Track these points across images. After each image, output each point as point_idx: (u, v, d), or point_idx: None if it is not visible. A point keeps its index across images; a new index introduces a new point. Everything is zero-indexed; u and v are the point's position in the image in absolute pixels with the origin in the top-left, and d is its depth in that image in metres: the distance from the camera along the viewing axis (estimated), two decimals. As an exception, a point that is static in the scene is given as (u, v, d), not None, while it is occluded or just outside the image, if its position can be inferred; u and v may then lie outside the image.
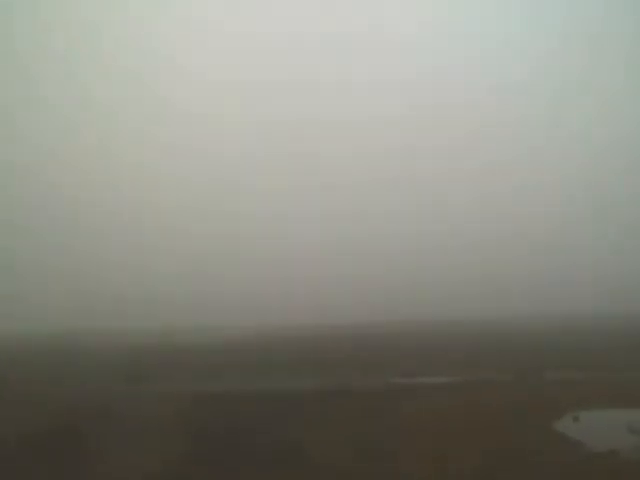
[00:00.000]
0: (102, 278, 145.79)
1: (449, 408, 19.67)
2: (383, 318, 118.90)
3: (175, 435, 15.64)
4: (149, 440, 15.18)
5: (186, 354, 39.77)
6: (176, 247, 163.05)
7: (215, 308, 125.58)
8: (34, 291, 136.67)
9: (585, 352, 43.59)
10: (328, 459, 13.46)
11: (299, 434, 15.84)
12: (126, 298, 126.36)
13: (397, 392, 22.71)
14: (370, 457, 13.55)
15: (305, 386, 24.46)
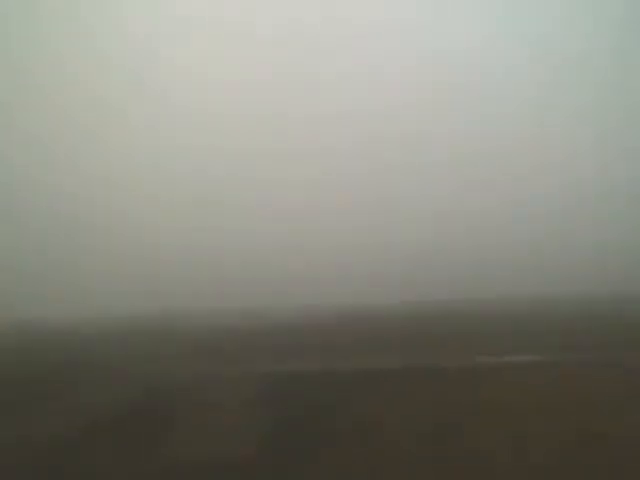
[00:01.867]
0: (181, 260, 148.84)
1: (533, 388, 19.24)
2: (467, 295, 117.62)
3: (256, 416, 15.89)
4: (230, 421, 15.46)
5: (266, 334, 40.48)
6: (253, 227, 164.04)
7: (293, 287, 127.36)
8: (120, 274, 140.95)
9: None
10: (409, 438, 13.38)
11: (380, 413, 15.83)
12: (204, 279, 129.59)
13: (482, 371, 22.36)
14: (451, 436, 13.39)
15: (387, 365, 24.47)
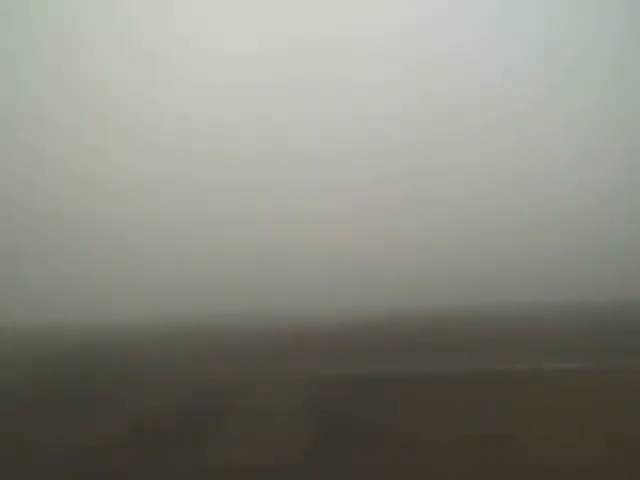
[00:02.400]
0: (228, 261, 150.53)
1: (576, 393, 18.68)
2: (509, 299, 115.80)
3: (303, 420, 15.85)
4: (277, 425, 15.46)
5: (315, 337, 40.54)
6: (311, 232, 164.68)
7: (344, 292, 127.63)
8: (168, 275, 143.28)
9: None
10: (453, 444, 13.14)
11: (428, 419, 15.59)
12: (251, 281, 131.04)
13: (523, 376, 21.89)
14: (491, 441, 13.09)
15: (432, 369, 24.16)
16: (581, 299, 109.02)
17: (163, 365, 27.80)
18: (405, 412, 16.41)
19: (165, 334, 47.46)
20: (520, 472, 10.81)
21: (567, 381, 20.62)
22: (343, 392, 19.42)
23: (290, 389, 20.16)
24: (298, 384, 21.04)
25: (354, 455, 12.44)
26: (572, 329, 43.28)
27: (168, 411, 17.21)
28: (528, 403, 17.24)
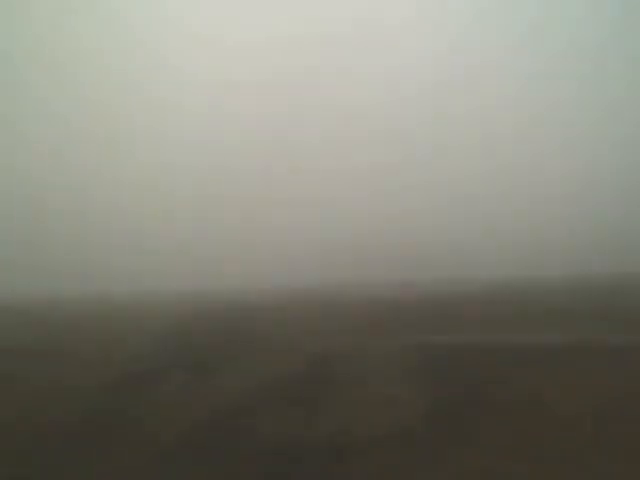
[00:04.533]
0: (352, 233, 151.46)
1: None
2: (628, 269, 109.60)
3: (416, 388, 16.20)
4: (390, 393, 15.89)
5: (427, 306, 40.57)
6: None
7: (452, 259, 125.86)
8: (283, 247, 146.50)
9: None
10: (568, 412, 13.08)
11: (541, 388, 15.54)
12: (361, 253, 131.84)
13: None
14: (610, 414, 12.88)
15: (545, 339, 23.71)
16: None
17: (278, 335, 28.65)
18: (519, 382, 16.43)
19: (279, 304, 48.82)
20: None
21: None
22: (454, 361, 19.57)
23: (402, 358, 20.50)
24: (410, 353, 21.33)
25: (466, 424, 12.74)
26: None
27: (283, 379, 18.00)
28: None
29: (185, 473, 10.10)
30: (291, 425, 13.00)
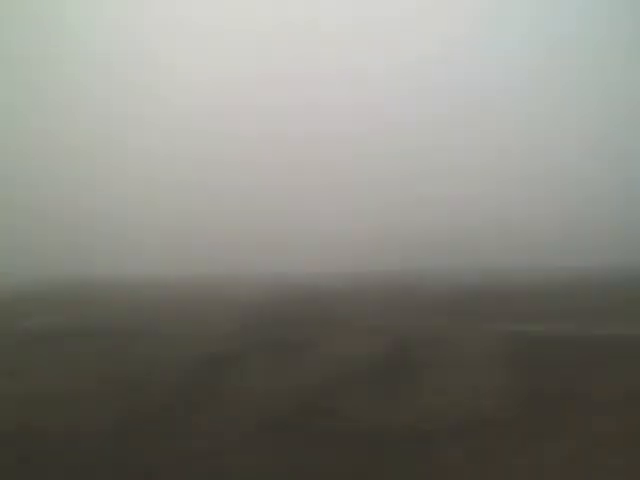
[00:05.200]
0: (435, 216, 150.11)
1: None
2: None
3: (499, 376, 15.92)
4: (474, 379, 15.68)
5: (508, 293, 39.70)
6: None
7: (541, 250, 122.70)
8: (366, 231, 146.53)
9: None
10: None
11: (636, 379, 14.90)
12: (454, 237, 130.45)
13: None
14: None
15: (627, 332, 22.71)
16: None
17: (359, 318, 28.78)
18: (602, 374, 15.88)
19: (360, 288, 48.92)
20: None
21: None
22: (537, 350, 19.14)
23: (486, 345, 20.21)
24: (493, 341, 20.99)
25: (555, 413, 12.43)
26: None
27: (369, 361, 18.09)
28: None
29: (265, 456, 10.29)
30: (373, 410, 13.04)
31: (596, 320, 25.34)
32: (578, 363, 17.02)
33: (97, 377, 17.04)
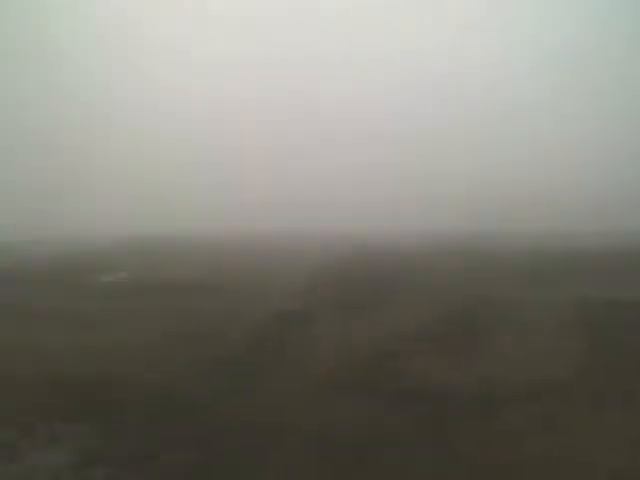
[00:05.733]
0: (510, 182, 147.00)
1: None
2: None
3: (573, 341, 15.57)
4: (546, 344, 15.40)
5: (587, 259, 38.45)
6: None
7: (612, 212, 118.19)
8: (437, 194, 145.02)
9: None
10: None
11: None
12: (532, 201, 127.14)
13: None
14: None
15: None
16: None
17: (428, 276, 28.61)
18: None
19: (435, 248, 48.53)
20: None
21: None
22: (613, 316, 18.59)
23: (559, 311, 19.79)
24: (568, 306, 20.53)
25: (612, 379, 12.15)
26: None
27: (439, 323, 18.03)
28: None
29: (329, 415, 10.48)
30: (438, 372, 13.05)
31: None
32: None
33: (165, 330, 17.75)
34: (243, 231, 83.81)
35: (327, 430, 9.90)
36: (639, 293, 22.39)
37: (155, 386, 12.19)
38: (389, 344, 15.56)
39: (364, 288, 25.58)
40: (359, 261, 38.15)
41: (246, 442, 9.53)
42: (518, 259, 38.45)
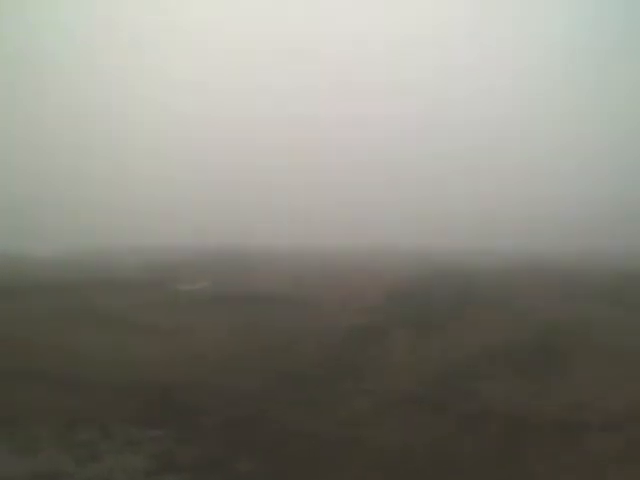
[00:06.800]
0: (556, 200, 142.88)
1: None
2: None
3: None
4: (627, 368, 14.55)
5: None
6: None
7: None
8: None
9: None
10: None
11: None
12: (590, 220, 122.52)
13: None
14: None
15: None
16: None
17: (506, 296, 27.83)
18: None
19: (506, 269, 47.31)
20: None
21: None
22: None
23: (629, 330, 18.83)
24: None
25: None
26: None
27: (510, 345, 17.34)
28: None
29: (399, 431, 10.39)
30: (515, 395, 12.66)
31: None
32: None
33: (247, 341, 18.07)
34: (323, 247, 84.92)
35: (391, 447, 9.81)
36: None
37: (232, 395, 12.45)
38: (460, 364, 15.16)
39: (439, 306, 25.11)
40: (438, 278, 37.49)
41: (315, 454, 9.56)
42: (599, 279, 36.80)
